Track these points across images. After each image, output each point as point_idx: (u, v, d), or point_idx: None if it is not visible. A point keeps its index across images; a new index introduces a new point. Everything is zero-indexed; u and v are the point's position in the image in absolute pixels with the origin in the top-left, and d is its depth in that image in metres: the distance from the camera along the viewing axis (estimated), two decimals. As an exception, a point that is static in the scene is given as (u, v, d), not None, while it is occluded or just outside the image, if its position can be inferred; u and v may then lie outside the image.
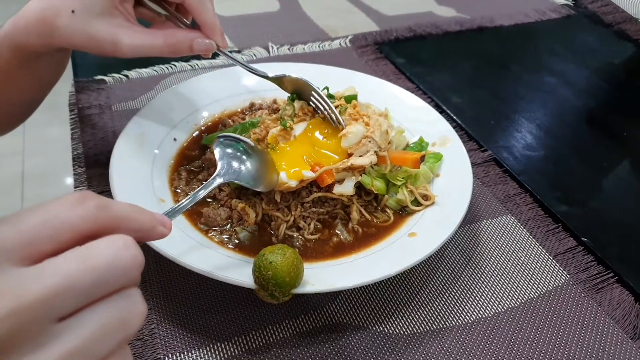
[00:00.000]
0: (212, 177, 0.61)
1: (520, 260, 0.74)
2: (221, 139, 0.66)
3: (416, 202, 0.73)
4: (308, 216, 0.70)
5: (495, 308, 0.67)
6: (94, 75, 1.03)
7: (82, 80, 1.02)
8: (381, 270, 0.60)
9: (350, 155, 0.70)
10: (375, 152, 0.71)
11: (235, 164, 0.64)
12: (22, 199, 2.47)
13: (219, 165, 0.63)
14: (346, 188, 0.69)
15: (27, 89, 0.75)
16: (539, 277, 0.72)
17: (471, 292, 0.69)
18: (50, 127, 2.71)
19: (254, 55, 1.13)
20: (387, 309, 0.66)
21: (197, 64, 1.08)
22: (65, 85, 1.04)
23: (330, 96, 0.76)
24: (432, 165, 0.76)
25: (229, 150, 0.65)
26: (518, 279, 0.71)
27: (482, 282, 0.70)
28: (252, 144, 0.69)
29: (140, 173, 0.71)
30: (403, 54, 1.17)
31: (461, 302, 0.68)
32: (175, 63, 1.08)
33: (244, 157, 0.66)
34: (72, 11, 0.61)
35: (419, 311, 0.66)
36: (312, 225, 0.69)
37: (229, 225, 0.68)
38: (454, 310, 0.67)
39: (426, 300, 0.67)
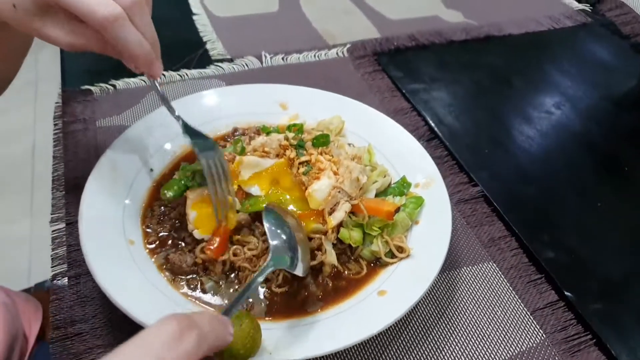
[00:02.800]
0: (266, 263, 0.60)
1: (496, 315, 0.72)
2: (268, 212, 0.65)
3: (391, 254, 0.71)
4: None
5: (463, 369, 0.66)
6: (82, 84, 1.01)
7: (69, 90, 1.00)
8: (343, 339, 0.58)
9: (319, 212, 0.68)
10: (347, 201, 0.69)
11: (284, 246, 0.62)
12: (33, 175, 2.49)
13: (272, 247, 0.61)
14: (330, 257, 0.67)
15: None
16: (514, 336, 0.70)
17: (440, 351, 0.67)
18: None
19: (246, 65, 1.09)
20: (351, 368, 0.65)
21: (186, 74, 1.06)
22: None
23: (300, 145, 0.73)
24: (412, 212, 0.74)
25: (278, 230, 0.63)
26: (492, 337, 0.69)
27: (453, 340, 0.69)
28: (296, 220, 0.67)
29: (110, 213, 0.70)
30: (402, 66, 1.12)
31: (429, 361, 0.66)
32: (165, 73, 1.05)
33: (289, 238, 0.64)
34: (14, 5, 0.59)
35: (384, 371, 0.65)
36: (280, 277, 0.67)
37: (195, 275, 0.67)
38: (420, 371, 0.65)
39: (394, 358, 0.66)
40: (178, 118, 0.75)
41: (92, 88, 1.01)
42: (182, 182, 0.75)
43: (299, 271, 0.61)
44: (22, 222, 2.23)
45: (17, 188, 2.38)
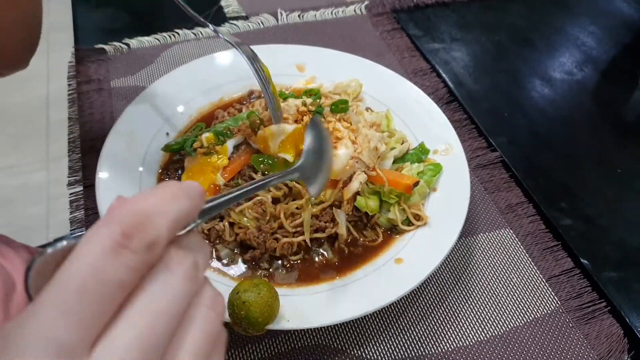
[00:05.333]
0: (289, 171, 0.52)
1: (512, 282, 0.72)
2: (312, 127, 0.59)
3: (408, 222, 0.70)
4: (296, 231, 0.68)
5: (478, 336, 0.67)
6: (95, 43, 1.00)
7: (83, 49, 0.99)
8: (360, 307, 0.59)
9: (335, 181, 0.67)
10: (363, 171, 0.68)
11: (310, 165, 0.55)
12: (48, 122, 2.50)
13: (301, 163, 0.54)
14: (341, 229, 0.67)
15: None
16: (529, 303, 0.70)
17: (455, 317, 0.68)
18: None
19: (262, 23, 1.06)
20: (367, 332, 0.66)
21: (200, 32, 1.03)
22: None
23: (319, 112, 0.72)
24: (430, 180, 0.73)
25: (313, 149, 0.57)
26: (506, 303, 0.70)
27: (469, 306, 0.69)
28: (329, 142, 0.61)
29: (126, 179, 0.70)
30: (421, 25, 1.09)
31: (444, 327, 0.67)
32: (179, 31, 1.03)
33: (319, 158, 0.57)
34: None
35: (400, 336, 0.66)
36: (295, 245, 0.67)
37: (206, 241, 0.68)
38: (434, 337, 0.66)
39: (409, 324, 0.67)
40: (206, 24, 0.75)
41: (105, 47, 0.99)
42: (185, 139, 0.75)
43: (312, 190, 0.55)
44: (39, 171, 2.25)
45: (34, 136, 2.40)
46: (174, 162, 0.77)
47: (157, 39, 1.01)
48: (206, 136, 0.72)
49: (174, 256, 0.30)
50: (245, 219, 0.66)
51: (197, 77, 0.83)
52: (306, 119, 0.71)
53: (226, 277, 0.64)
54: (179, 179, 0.74)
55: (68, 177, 0.80)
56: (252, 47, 0.91)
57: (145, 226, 0.28)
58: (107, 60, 0.97)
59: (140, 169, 0.73)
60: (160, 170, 0.75)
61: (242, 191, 0.40)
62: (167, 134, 0.79)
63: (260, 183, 0.44)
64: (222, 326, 0.33)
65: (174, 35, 1.02)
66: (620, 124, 0.96)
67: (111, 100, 0.90)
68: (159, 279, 0.29)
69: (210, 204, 0.36)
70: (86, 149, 0.83)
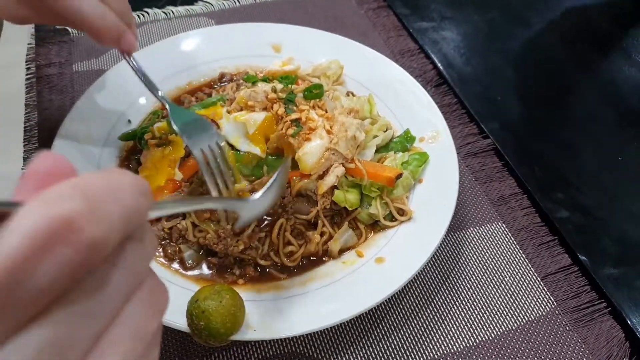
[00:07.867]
0: (244, 201, 0.47)
1: (504, 282, 0.66)
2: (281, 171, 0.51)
3: (390, 217, 0.64)
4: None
5: (466, 341, 0.61)
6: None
7: (43, 30, 0.91)
8: (334, 314, 0.53)
9: (308, 176, 0.61)
10: (341, 163, 0.62)
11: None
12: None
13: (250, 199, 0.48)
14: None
15: None
16: (522, 304, 0.65)
17: (442, 321, 0.62)
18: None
19: (237, 0, 0.99)
20: (345, 339, 0.60)
21: (172, 11, 0.96)
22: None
23: (290, 99, 0.65)
24: (415, 170, 0.67)
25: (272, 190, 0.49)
26: (498, 305, 0.64)
27: (456, 309, 0.64)
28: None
29: (83, 171, 0.63)
30: (409, 2, 1.02)
31: (429, 333, 0.61)
32: (148, 10, 0.96)
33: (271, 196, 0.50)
34: None
35: (381, 342, 0.60)
36: (266, 246, 0.61)
37: (167, 240, 0.61)
38: (419, 343, 0.61)
39: (390, 329, 0.61)
40: (163, 99, 0.63)
41: (68, 28, 0.92)
42: (143, 128, 0.69)
43: (238, 223, 0.48)
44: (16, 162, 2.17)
45: (11, 124, 2.32)
46: (136, 151, 0.70)
47: (125, 19, 0.94)
48: (158, 126, 0.65)
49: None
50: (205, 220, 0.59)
51: (164, 60, 0.77)
52: (276, 107, 0.64)
53: (188, 280, 0.58)
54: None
55: (22, 168, 0.74)
56: (223, 25, 0.85)
57: (96, 218, 0.22)
58: (70, 41, 0.90)
59: (98, 159, 0.66)
60: (119, 162, 0.69)
61: (188, 207, 0.41)
62: (129, 121, 0.72)
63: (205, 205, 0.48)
64: (160, 325, 0.28)
65: (143, 15, 0.95)
66: (622, 107, 0.89)
67: (73, 85, 0.84)
68: (99, 275, 0.24)
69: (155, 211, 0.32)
70: (44, 138, 0.77)
